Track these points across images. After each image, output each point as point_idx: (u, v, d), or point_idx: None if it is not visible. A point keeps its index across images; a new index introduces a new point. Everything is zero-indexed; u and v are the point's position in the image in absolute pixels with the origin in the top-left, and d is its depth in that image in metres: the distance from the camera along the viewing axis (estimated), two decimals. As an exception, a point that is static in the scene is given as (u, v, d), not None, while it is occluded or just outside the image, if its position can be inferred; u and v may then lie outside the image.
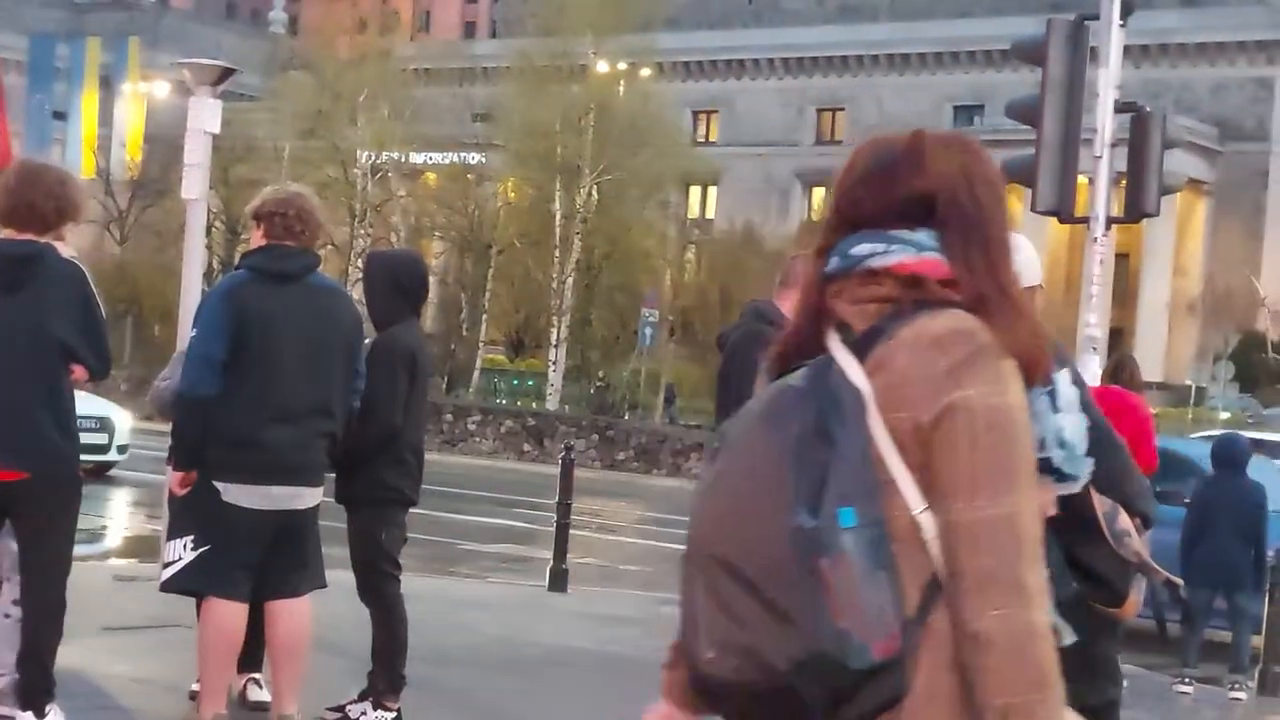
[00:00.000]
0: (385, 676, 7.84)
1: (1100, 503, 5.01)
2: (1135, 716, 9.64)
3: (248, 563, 7.02)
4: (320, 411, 7.08)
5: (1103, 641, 5.25)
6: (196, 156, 11.10)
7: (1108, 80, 14.24)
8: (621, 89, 53.87)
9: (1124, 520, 4.99)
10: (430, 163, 61.99)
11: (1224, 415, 47.99)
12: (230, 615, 7.03)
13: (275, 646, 7.23)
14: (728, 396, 7.25)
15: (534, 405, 48.40)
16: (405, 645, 7.91)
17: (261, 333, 6.94)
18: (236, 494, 6.92)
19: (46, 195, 6.81)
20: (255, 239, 7.26)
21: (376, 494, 7.69)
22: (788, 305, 7.29)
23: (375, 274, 7.97)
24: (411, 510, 7.96)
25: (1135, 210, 14.10)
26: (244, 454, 6.91)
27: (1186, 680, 11.81)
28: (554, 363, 50.64)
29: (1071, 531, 5.01)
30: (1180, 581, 5.17)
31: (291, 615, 7.19)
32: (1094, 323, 14.29)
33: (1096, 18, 14.15)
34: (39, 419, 6.61)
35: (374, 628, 7.88)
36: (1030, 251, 5.40)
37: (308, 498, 7.11)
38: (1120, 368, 11.31)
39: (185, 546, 7.02)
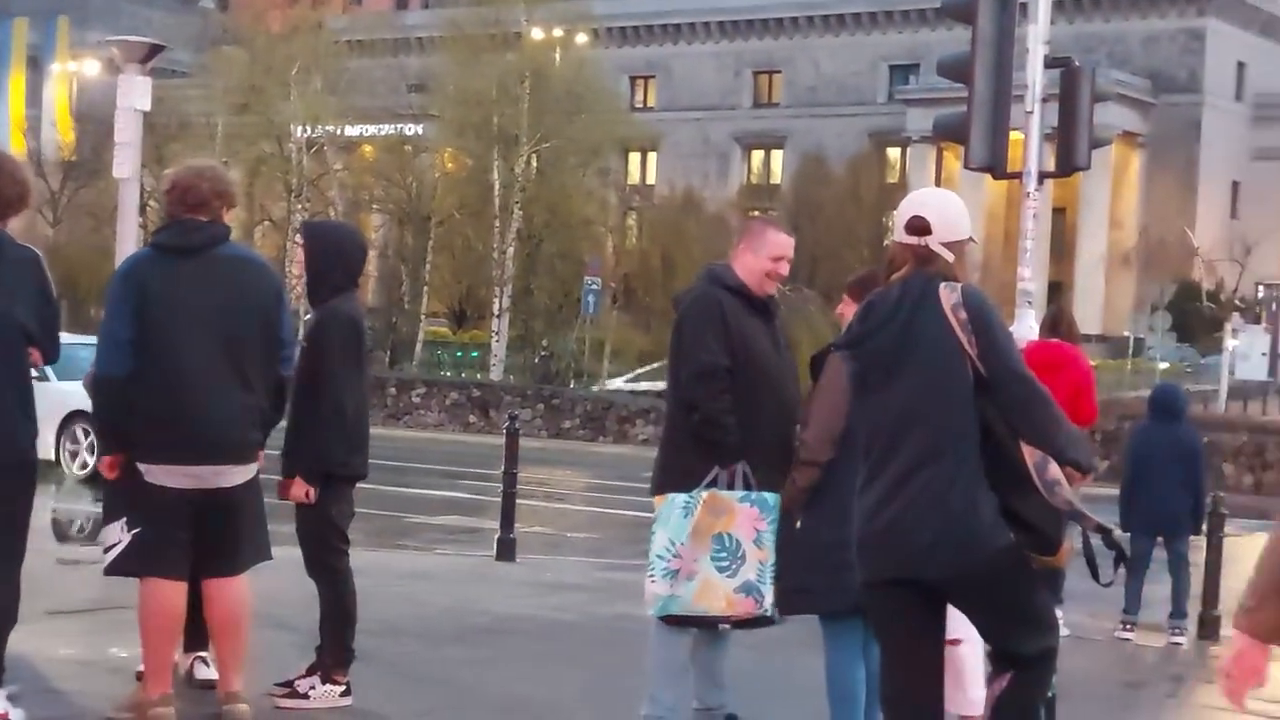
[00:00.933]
0: (334, 650, 7.85)
1: (1030, 454, 5.08)
2: (1077, 664, 9.77)
3: (180, 542, 6.99)
4: (237, 385, 7.00)
5: (1038, 590, 5.30)
6: (127, 135, 11.04)
7: (1037, 36, 14.32)
8: (557, 56, 53.75)
9: (1054, 470, 5.06)
10: (365, 135, 61.71)
11: (1163, 365, 48.42)
12: (168, 595, 7.02)
13: (215, 624, 7.23)
14: (673, 354, 7.30)
15: (478, 376, 48.36)
16: (354, 619, 7.92)
17: (165, 309, 6.89)
18: (159, 474, 6.91)
19: (11, 181, 6.83)
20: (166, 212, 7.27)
21: (323, 469, 7.67)
22: (743, 264, 7.32)
23: (314, 246, 7.94)
24: (358, 484, 7.96)
25: (1067, 164, 14.19)
26: (161, 433, 6.88)
27: (1128, 626, 11.97)
28: (497, 333, 50.58)
29: (1004, 483, 5.09)
30: (1112, 527, 5.21)
31: (228, 593, 7.18)
32: (1029, 277, 14.40)
33: (1025, -26, 14.21)
34: (7, 404, 6.60)
35: (322, 602, 7.89)
36: (960, 205, 5.45)
37: (235, 475, 7.04)
38: (1058, 320, 11.43)
39: (121, 529, 7.03)
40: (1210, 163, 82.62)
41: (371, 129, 61.29)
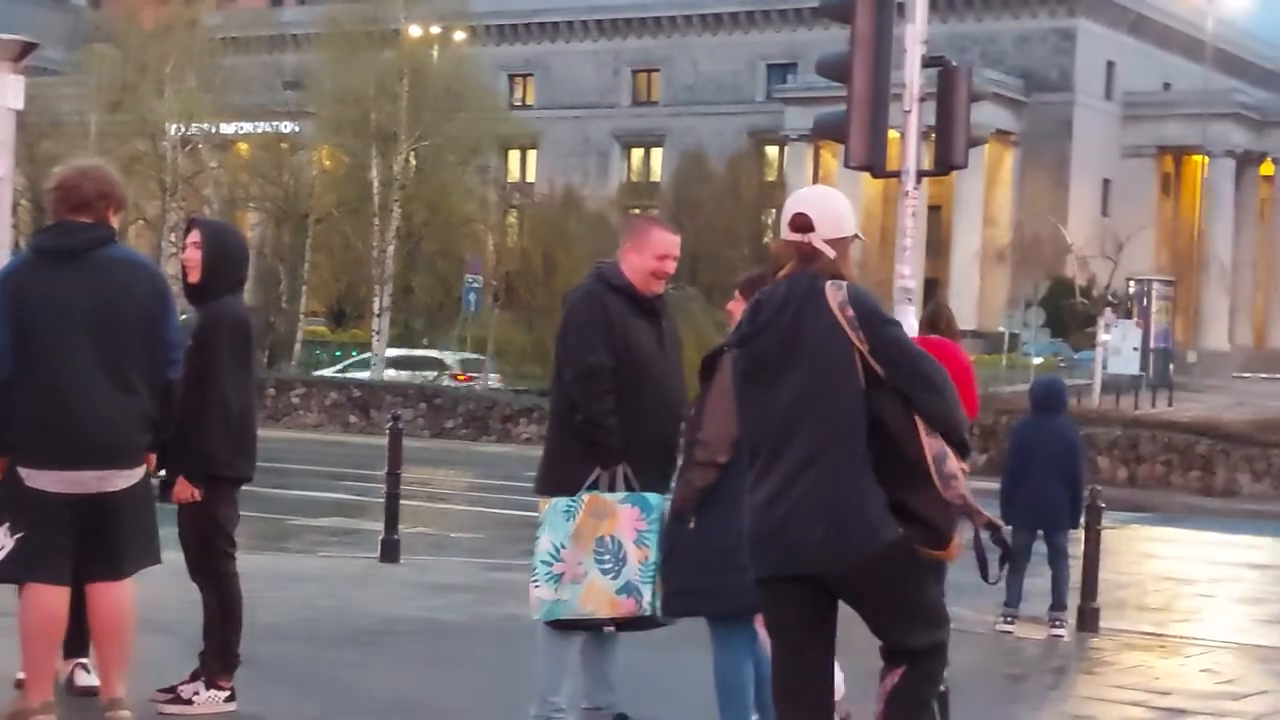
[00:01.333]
0: (219, 655, 7.78)
1: (930, 447, 5.13)
2: (959, 658, 9.88)
3: (63, 547, 6.90)
4: (119, 388, 6.92)
5: (928, 584, 5.35)
6: (1, 134, 10.86)
7: (914, 36, 14.46)
8: (435, 53, 53.48)
9: (952, 464, 5.12)
10: (241, 133, 61.08)
11: (1037, 360, 49.06)
12: (49, 601, 6.93)
13: (98, 630, 7.14)
14: (557, 355, 7.30)
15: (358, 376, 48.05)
16: (239, 623, 7.85)
17: (44, 313, 6.82)
18: (40, 479, 6.82)
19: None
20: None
21: (209, 471, 7.59)
22: (628, 263, 7.31)
23: (210, 245, 7.79)
24: (243, 487, 7.89)
25: (944, 163, 14.34)
26: (41, 438, 6.81)
27: (1009, 619, 12.11)
28: (378, 332, 50.27)
29: (895, 477, 5.12)
30: (1001, 525, 5.27)
31: (112, 598, 7.08)
32: (908, 274, 14.53)
33: (902, -26, 14.35)
34: None
35: (207, 606, 7.81)
36: (844, 203, 5.50)
37: (118, 479, 6.96)
38: (937, 317, 11.54)
39: (4, 534, 6.92)
40: (1081, 160, 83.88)
41: (247, 126, 60.67)
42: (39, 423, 6.81)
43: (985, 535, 5.23)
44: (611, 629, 7.17)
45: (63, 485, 6.86)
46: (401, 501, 14.73)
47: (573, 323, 7.19)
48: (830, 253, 5.32)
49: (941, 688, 5.52)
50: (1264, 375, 74.77)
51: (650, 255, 7.32)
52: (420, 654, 9.89)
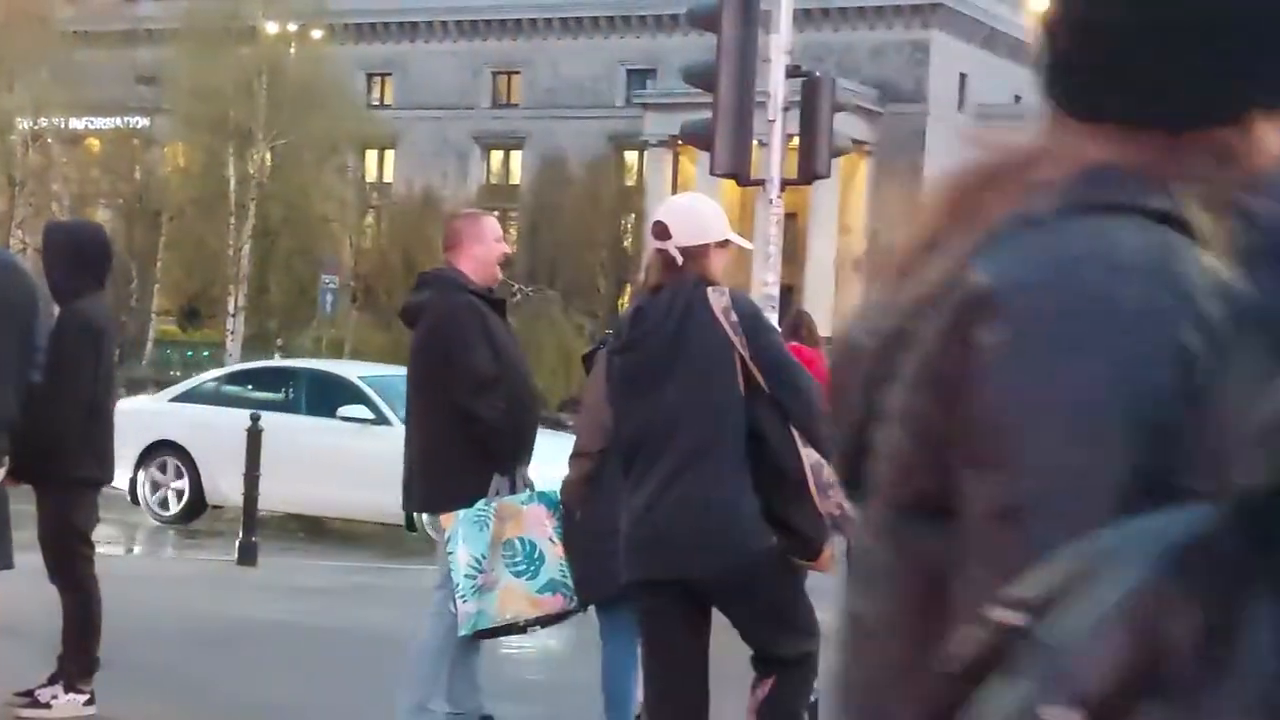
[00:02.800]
0: (77, 659, 7.69)
1: (808, 456, 5.18)
2: (823, 664, 9.99)
3: None
4: None
5: (800, 594, 5.41)
6: None
7: (778, 46, 14.63)
8: (293, 51, 53.04)
9: (829, 473, 5.14)
10: (92, 128, 60.11)
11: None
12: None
13: None
14: (437, 370, 7.15)
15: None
16: (99, 626, 7.77)
17: None
18: None
19: None
20: None
21: (68, 473, 7.49)
22: (466, 264, 7.31)
23: (56, 246, 7.74)
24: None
25: (808, 172, 14.53)
26: None
27: None
28: (232, 332, 49.71)
29: (770, 486, 5.17)
30: None
31: None
32: (771, 281, 14.69)
33: (768, -15, 14.51)
34: None
35: (65, 609, 7.72)
36: (704, 211, 5.55)
37: None
38: (798, 323, 11.68)
39: None
40: (935, 171, 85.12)
41: (99, 122, 59.73)
42: None
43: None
44: (537, 628, 7.18)
45: None
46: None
47: (454, 333, 7.12)
48: (678, 258, 5.36)
49: (812, 697, 5.53)
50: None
51: (491, 241, 7.37)
52: (281, 658, 9.83)
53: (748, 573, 5.21)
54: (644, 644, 5.51)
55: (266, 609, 11.64)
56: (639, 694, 7.05)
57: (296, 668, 9.55)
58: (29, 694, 7.65)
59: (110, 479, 7.80)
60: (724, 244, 5.49)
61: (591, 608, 7.15)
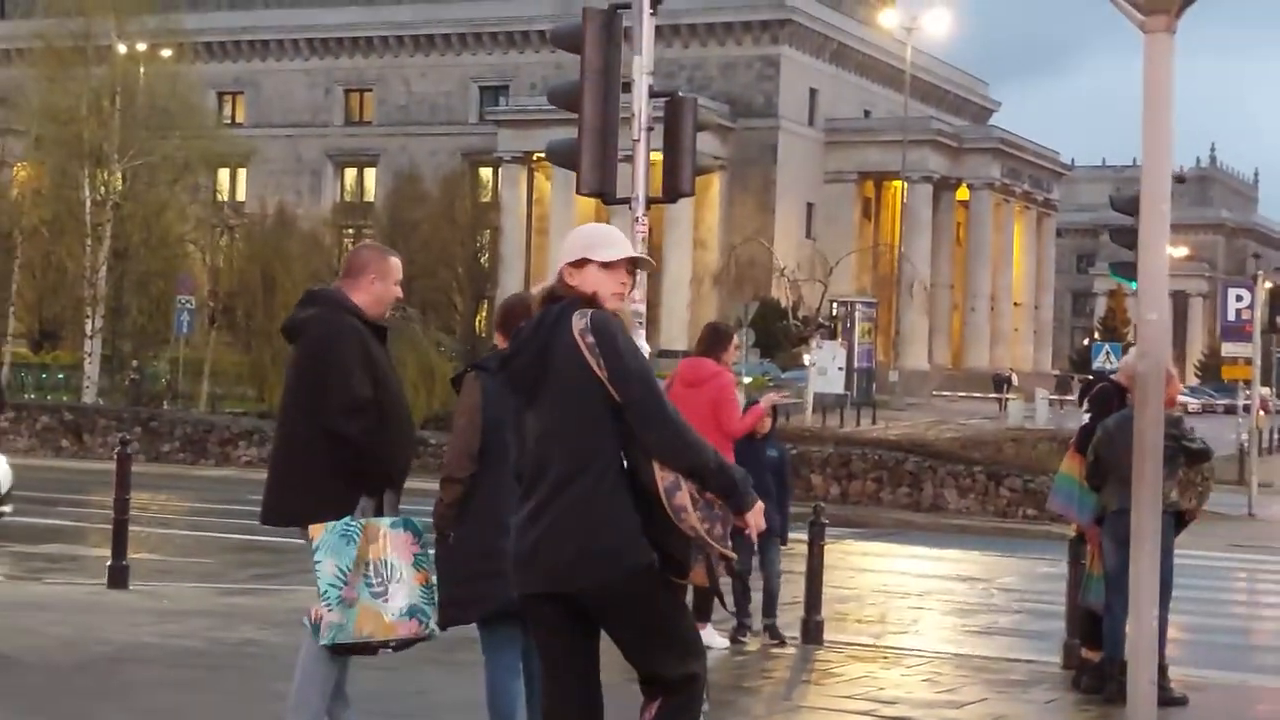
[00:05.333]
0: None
1: (662, 478, 5.28)
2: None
3: None
4: None
5: (680, 613, 5.50)
6: None
7: (641, 67, 14.81)
8: (144, 71, 52.40)
9: (682, 496, 5.25)
10: (-59, 147, 59.02)
11: (746, 380, 50.12)
12: None
13: None
14: (322, 388, 7.21)
15: (65, 398, 46.76)
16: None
17: None
18: None
19: None
20: None
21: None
22: (360, 295, 7.41)
23: None
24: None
25: (672, 191, 14.73)
26: None
27: (744, 635, 12.47)
28: (89, 354, 48.97)
29: (641, 504, 5.32)
30: (734, 556, 5.37)
31: None
32: (639, 299, 14.89)
33: (629, 6, 14.69)
34: None
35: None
36: (580, 232, 5.64)
37: None
38: (708, 338, 11.93)
39: None
40: (786, 185, 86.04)
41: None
42: None
43: (720, 567, 5.34)
44: (389, 650, 7.26)
45: None
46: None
47: (331, 352, 7.16)
48: (563, 278, 5.49)
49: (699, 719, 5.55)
50: (961, 394, 77.64)
51: (392, 282, 7.48)
52: (160, 680, 9.83)
53: (626, 588, 5.28)
54: (539, 656, 5.64)
55: (143, 632, 11.62)
56: (523, 711, 7.22)
57: (181, 690, 9.57)
58: (-86, 721, 7.66)
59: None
60: (610, 265, 5.49)
61: (473, 627, 7.30)
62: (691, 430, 5.38)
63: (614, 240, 5.56)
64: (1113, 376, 11.53)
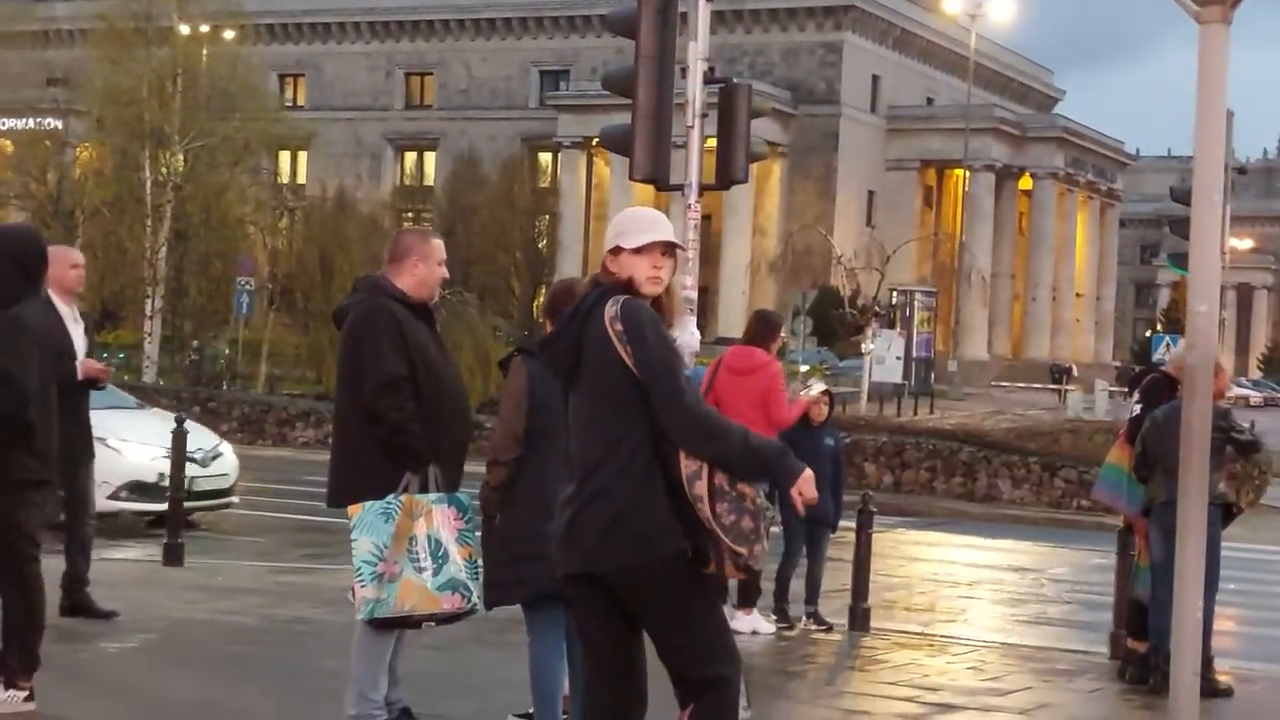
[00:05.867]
0: (19, 656, 7.83)
1: (686, 465, 5.31)
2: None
3: None
4: None
5: (710, 610, 5.46)
6: None
7: (696, 53, 14.83)
8: (205, 53, 52.77)
9: (701, 485, 5.27)
10: (4, 128, 59.60)
11: (804, 368, 50.06)
12: None
13: None
14: (357, 369, 7.40)
15: (125, 378, 47.16)
16: (42, 625, 7.92)
17: None
18: None
19: None
20: None
21: (13, 475, 7.64)
22: (405, 279, 7.55)
23: None
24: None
25: (726, 178, 14.74)
26: None
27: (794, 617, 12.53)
28: (149, 334, 49.39)
29: (672, 491, 5.35)
30: (743, 551, 5.29)
31: None
32: (690, 285, 14.91)
33: (685, -10, 14.70)
34: None
35: (7, 607, 7.86)
36: (622, 217, 5.67)
37: None
38: (757, 327, 11.97)
39: None
40: (847, 173, 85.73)
41: (10, 123, 59.22)
42: None
43: (737, 559, 5.29)
44: (432, 625, 7.38)
45: None
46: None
47: (365, 335, 7.35)
48: (608, 265, 5.55)
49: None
50: (1020, 384, 77.30)
51: (436, 263, 7.62)
52: (214, 656, 9.98)
53: (651, 574, 5.30)
54: (578, 635, 5.70)
55: (201, 609, 11.78)
56: (566, 689, 7.33)
57: (233, 665, 9.71)
58: (-30, 692, 7.79)
59: (50, 479, 7.94)
60: (642, 250, 5.50)
61: (518, 607, 7.41)
62: (715, 416, 5.41)
63: (645, 225, 5.57)
64: (1163, 368, 11.51)
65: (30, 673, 7.86)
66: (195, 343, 51.06)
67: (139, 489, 17.38)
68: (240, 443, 37.25)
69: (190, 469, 15.94)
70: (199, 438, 17.80)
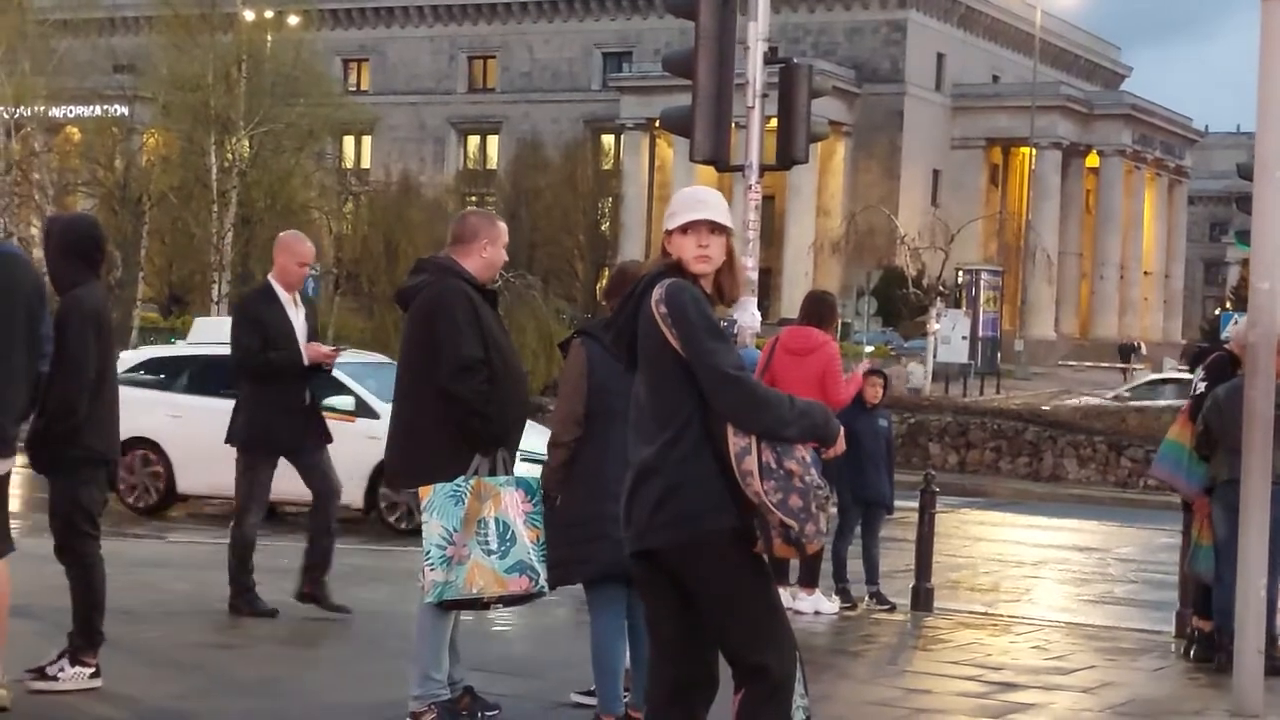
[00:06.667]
0: (83, 634, 7.96)
1: (734, 443, 5.31)
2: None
3: None
4: (9, 380, 7.12)
5: (762, 593, 5.46)
6: None
7: (756, 33, 14.84)
8: (269, 38, 53.06)
9: (750, 461, 5.26)
10: (72, 116, 60.08)
11: (868, 349, 49.98)
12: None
13: None
14: (424, 351, 7.43)
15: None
16: (103, 602, 8.03)
17: None
18: None
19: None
20: None
21: (74, 455, 7.75)
22: (472, 261, 7.59)
23: (54, 238, 8.00)
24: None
25: (786, 158, 14.76)
26: None
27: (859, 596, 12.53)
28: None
29: (724, 470, 5.35)
30: (792, 525, 5.27)
31: None
32: (750, 265, 14.93)
33: (745, -29, 14.72)
34: None
35: (71, 586, 7.98)
36: (677, 197, 5.66)
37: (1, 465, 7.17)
38: (812, 307, 11.96)
39: None
40: (912, 151, 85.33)
41: (78, 110, 59.69)
42: None
43: (785, 534, 5.28)
44: (499, 606, 7.44)
45: None
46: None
47: (442, 318, 7.39)
48: (666, 247, 5.55)
49: (801, 716, 5.43)
50: (1088, 364, 76.81)
51: (502, 246, 7.68)
52: (277, 635, 10.06)
53: (699, 549, 5.31)
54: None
55: (263, 590, 11.82)
56: (627, 665, 7.37)
57: (296, 644, 9.80)
58: (39, 670, 7.91)
59: (115, 457, 8.06)
60: (687, 229, 5.49)
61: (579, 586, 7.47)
62: (762, 386, 5.43)
63: (688, 204, 5.56)
64: (1226, 345, 11.41)
65: (94, 649, 7.98)
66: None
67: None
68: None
69: None
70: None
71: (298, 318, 10.39)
